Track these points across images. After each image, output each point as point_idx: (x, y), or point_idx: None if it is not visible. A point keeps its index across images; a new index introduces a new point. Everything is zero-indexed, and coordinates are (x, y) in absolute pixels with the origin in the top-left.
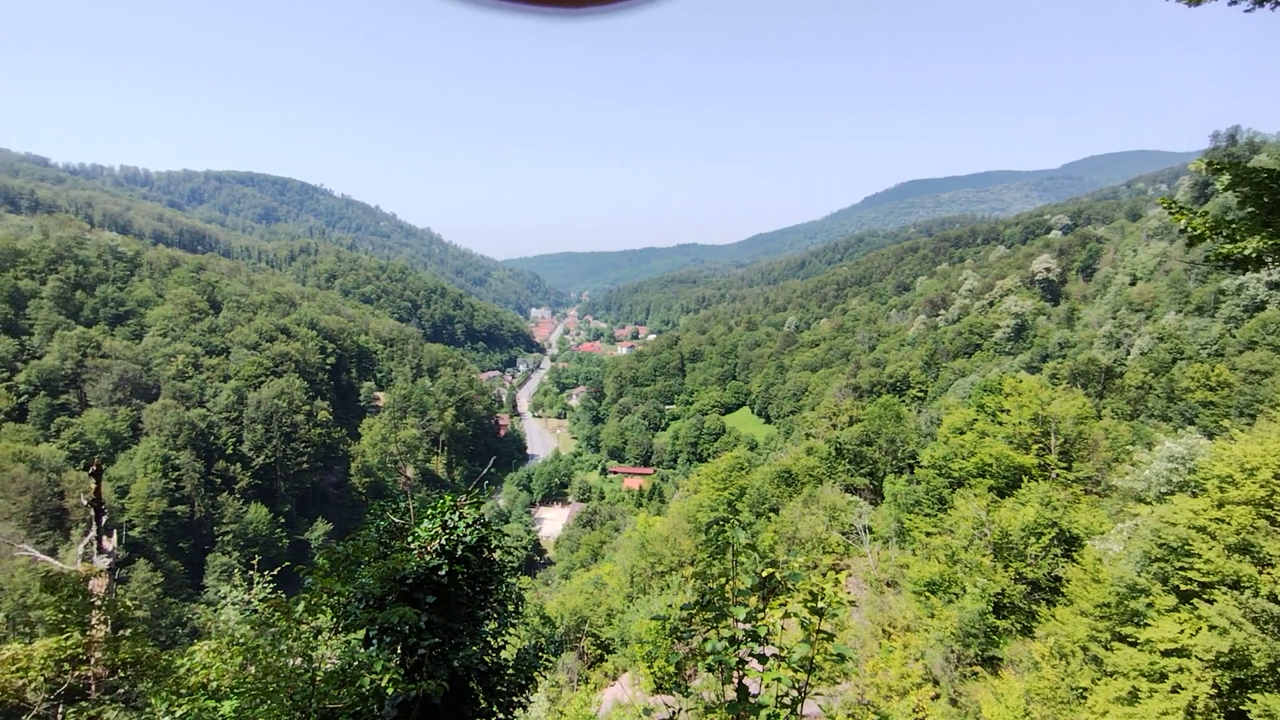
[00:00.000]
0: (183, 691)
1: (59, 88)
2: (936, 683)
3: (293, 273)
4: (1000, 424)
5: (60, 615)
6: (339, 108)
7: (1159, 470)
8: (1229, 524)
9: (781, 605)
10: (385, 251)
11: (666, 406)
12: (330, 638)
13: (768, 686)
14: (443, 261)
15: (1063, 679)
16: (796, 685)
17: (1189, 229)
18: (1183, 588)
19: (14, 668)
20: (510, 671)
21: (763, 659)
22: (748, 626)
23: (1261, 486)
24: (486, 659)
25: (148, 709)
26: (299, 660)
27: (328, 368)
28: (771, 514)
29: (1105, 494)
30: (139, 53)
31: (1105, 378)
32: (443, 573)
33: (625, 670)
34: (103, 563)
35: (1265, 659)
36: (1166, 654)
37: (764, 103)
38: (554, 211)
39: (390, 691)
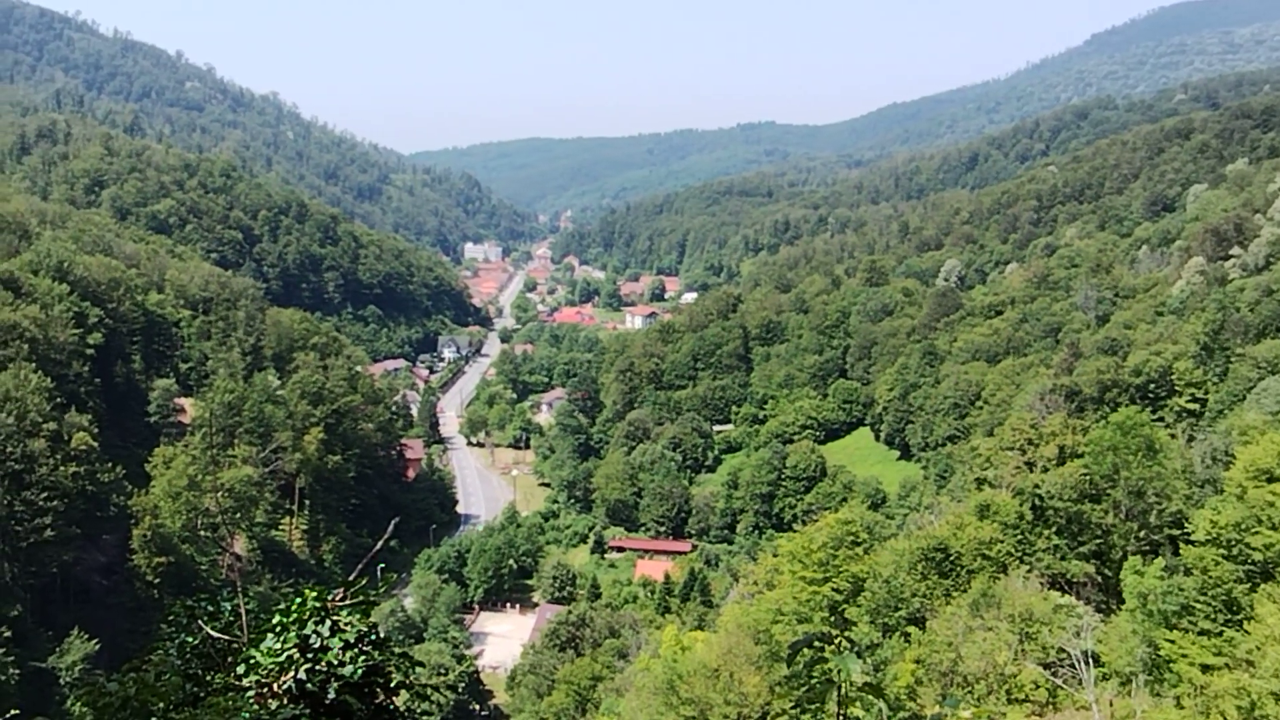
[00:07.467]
0: None
1: None
2: None
3: (24, 175)
4: None
5: None
6: None
7: None
8: None
9: None
10: (197, 136)
11: (717, 427)
12: None
13: None
14: (302, 155)
15: None
16: None
17: None
18: None
19: None
20: None
21: None
22: None
23: None
24: None
25: None
26: None
27: (89, 353)
28: (912, 628)
29: None
30: None
31: None
32: None
33: None
34: None
35: None
36: None
37: None
38: (510, 77)
39: None
